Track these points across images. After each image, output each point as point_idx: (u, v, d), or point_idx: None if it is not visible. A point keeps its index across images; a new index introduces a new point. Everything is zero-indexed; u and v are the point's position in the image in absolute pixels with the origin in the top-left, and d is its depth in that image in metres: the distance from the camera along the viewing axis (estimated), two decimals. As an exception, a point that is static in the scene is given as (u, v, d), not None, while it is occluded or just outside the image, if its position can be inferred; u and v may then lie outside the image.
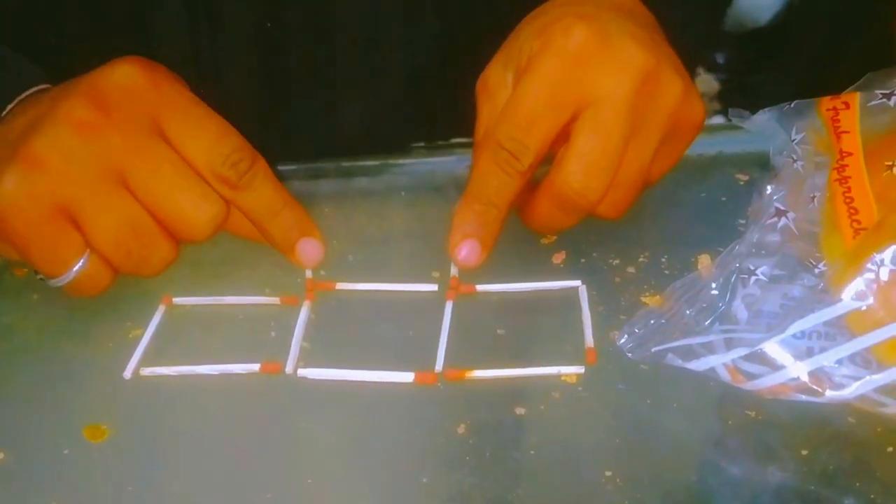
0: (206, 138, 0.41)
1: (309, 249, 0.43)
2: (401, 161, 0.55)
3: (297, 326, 0.43)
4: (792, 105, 0.44)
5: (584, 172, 0.41)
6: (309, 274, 0.46)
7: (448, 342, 0.42)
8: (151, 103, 0.41)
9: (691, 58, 0.45)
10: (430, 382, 0.41)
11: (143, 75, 0.41)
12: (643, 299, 0.44)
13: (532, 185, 0.43)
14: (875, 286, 0.37)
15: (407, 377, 0.41)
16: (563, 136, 0.42)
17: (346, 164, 0.55)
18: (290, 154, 0.55)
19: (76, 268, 0.40)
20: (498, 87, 0.44)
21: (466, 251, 0.42)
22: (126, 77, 0.41)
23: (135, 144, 0.40)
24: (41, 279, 0.42)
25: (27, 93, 0.45)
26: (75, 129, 0.39)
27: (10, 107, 0.44)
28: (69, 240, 0.40)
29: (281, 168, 0.55)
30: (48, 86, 0.45)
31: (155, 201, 0.40)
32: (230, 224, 0.42)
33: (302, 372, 0.41)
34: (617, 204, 0.43)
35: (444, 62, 0.55)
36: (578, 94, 0.41)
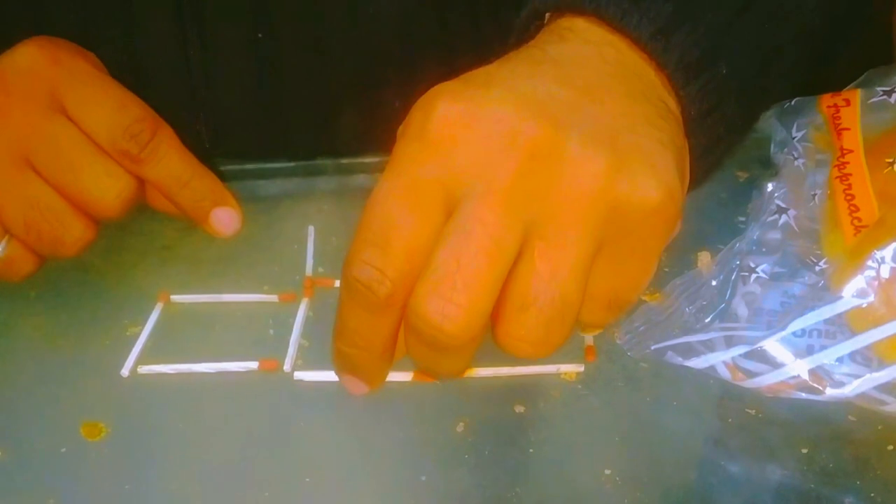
0: (105, 111, 0.40)
1: (223, 218, 0.42)
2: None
3: (296, 324, 0.43)
4: (792, 102, 0.44)
5: (436, 297, 0.29)
6: (308, 272, 0.46)
7: (447, 340, 0.42)
8: (51, 80, 0.40)
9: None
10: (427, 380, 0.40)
11: (42, 54, 0.41)
12: (643, 297, 0.43)
13: None
14: (876, 283, 0.37)
15: (406, 377, 0.41)
16: None
17: (344, 161, 0.55)
18: (287, 156, 0.55)
19: None
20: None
21: (350, 387, 0.34)
22: (25, 57, 0.41)
23: (36, 124, 0.40)
24: None
25: None
26: None
27: None
28: None
29: (279, 165, 0.55)
30: None
31: (59, 181, 0.40)
32: (150, 199, 0.42)
33: (298, 375, 0.41)
34: (529, 339, 0.30)
35: (440, 63, 0.55)
36: (444, 188, 0.30)
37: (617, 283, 0.32)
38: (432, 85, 0.36)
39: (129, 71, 0.51)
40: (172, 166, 0.41)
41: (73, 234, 0.41)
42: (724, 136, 0.37)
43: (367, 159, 0.55)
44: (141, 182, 0.41)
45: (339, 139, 0.56)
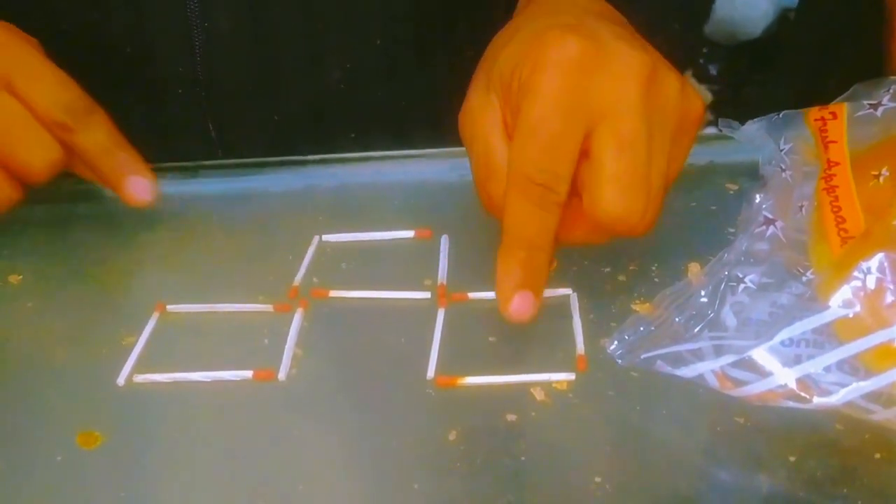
0: (48, 89, 0.46)
1: (138, 185, 0.48)
2: (394, 169, 0.55)
3: (291, 334, 0.44)
4: (781, 115, 0.45)
5: (622, 195, 0.38)
6: (297, 282, 0.46)
7: (440, 349, 0.42)
8: (1, 63, 0.46)
9: (675, 60, 0.44)
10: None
11: None
12: (634, 307, 0.44)
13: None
14: (862, 294, 0.37)
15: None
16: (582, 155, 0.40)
17: (340, 171, 0.55)
18: (277, 110, 0.58)
19: None
20: (485, 114, 0.41)
21: (519, 305, 0.39)
22: None
23: None
24: None
25: None
26: None
27: None
28: None
29: (273, 175, 0.56)
30: None
31: None
32: (77, 168, 0.49)
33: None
34: (650, 217, 0.40)
35: (419, 24, 0.57)
36: (590, 107, 0.39)
37: (671, 169, 0.41)
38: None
39: (135, 56, 0.54)
40: (100, 138, 0.47)
41: (3, 194, 0.46)
42: None
43: (363, 169, 0.55)
44: (69, 151, 0.47)
45: (327, 89, 0.59)
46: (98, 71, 0.52)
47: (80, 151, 0.48)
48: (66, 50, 0.50)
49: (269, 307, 0.46)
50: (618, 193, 0.38)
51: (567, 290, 0.45)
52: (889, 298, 0.37)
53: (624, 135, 0.39)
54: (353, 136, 0.60)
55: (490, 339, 0.43)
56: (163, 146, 0.55)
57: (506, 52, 0.42)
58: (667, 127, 0.40)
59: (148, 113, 0.59)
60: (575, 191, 0.40)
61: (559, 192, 0.39)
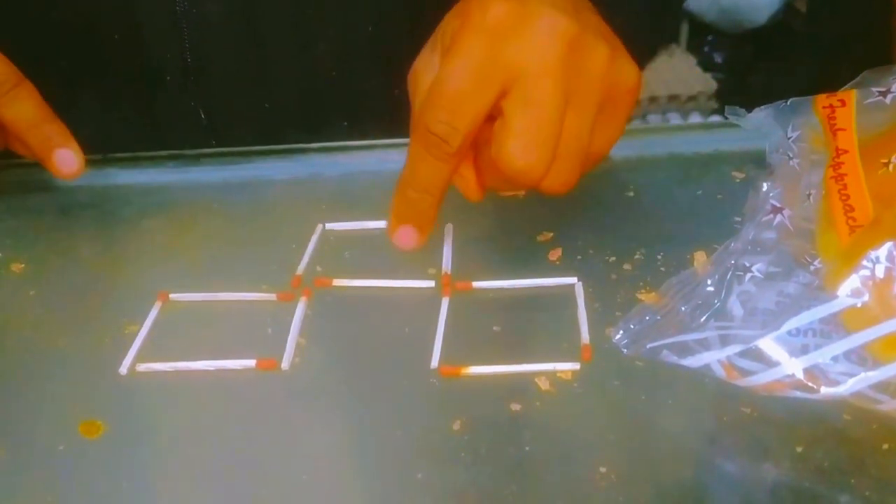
0: None
1: (65, 157, 0.49)
2: (398, 157, 0.55)
3: (294, 323, 0.43)
4: (788, 103, 0.45)
5: (523, 150, 0.40)
6: (300, 270, 0.46)
7: (444, 339, 0.42)
8: None
9: (648, 39, 0.45)
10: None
11: None
12: (639, 296, 0.44)
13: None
14: (870, 283, 0.37)
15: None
16: (495, 114, 0.41)
17: (344, 159, 0.55)
18: (268, 98, 0.58)
19: None
20: (425, 72, 0.44)
21: (401, 235, 0.43)
22: None
23: None
24: None
25: None
26: None
27: None
28: None
29: (275, 163, 0.55)
30: None
31: None
32: (9, 143, 0.50)
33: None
34: (561, 178, 0.42)
35: (411, 11, 0.57)
36: (504, 68, 0.40)
37: (600, 139, 0.43)
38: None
39: (124, 43, 0.54)
40: (27, 111, 0.48)
41: None
42: None
43: (365, 158, 0.55)
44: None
45: (316, 72, 0.59)
46: (87, 58, 0.52)
47: (7, 124, 0.48)
48: (55, 38, 0.50)
49: (272, 296, 0.45)
50: (519, 148, 0.40)
51: (572, 280, 0.45)
52: (898, 288, 0.36)
53: (533, 93, 0.40)
54: (345, 124, 0.60)
55: (494, 328, 0.43)
56: (155, 134, 0.55)
57: (448, 16, 0.44)
58: (590, 94, 0.41)
59: (138, 100, 0.59)
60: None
61: (452, 146, 0.41)
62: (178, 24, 0.56)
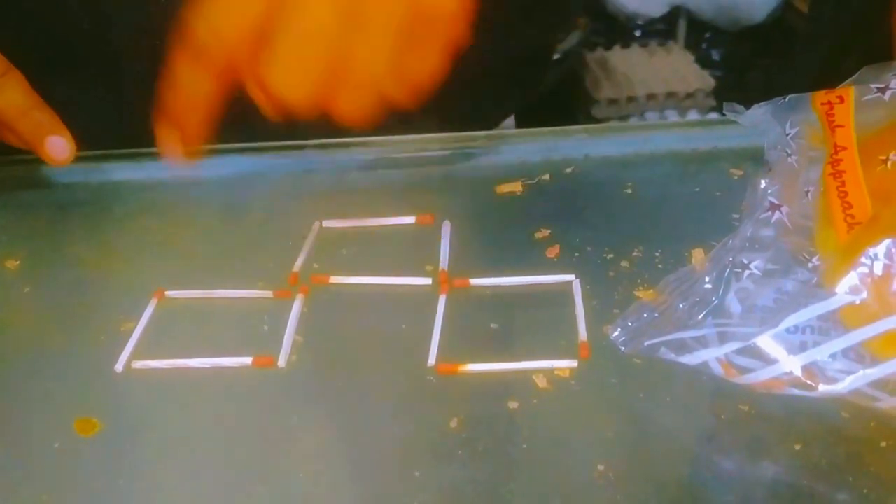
0: None
1: (57, 145, 0.49)
2: (396, 154, 0.55)
3: (290, 320, 0.43)
4: (786, 99, 0.44)
5: (283, 73, 0.39)
6: (297, 267, 0.46)
7: (441, 336, 0.42)
8: None
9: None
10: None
11: None
12: (637, 293, 0.43)
13: None
14: (869, 281, 0.37)
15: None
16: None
17: (341, 155, 0.55)
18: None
19: None
20: None
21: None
22: None
23: None
24: None
25: None
26: None
27: None
28: None
29: (278, 155, 0.55)
30: None
31: None
32: (3, 136, 0.50)
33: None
34: (351, 107, 0.40)
35: None
36: None
37: (412, 69, 0.40)
38: None
39: (92, 32, 0.53)
40: (16, 98, 0.48)
41: None
42: None
43: (363, 156, 0.55)
44: None
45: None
46: (56, 48, 0.51)
47: None
48: (23, 29, 0.49)
49: (268, 293, 0.45)
50: (279, 73, 0.39)
51: (570, 277, 0.45)
52: (896, 285, 0.36)
53: (298, 13, 0.38)
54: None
55: (492, 325, 0.43)
56: (127, 125, 0.54)
57: None
58: (384, 16, 0.39)
59: (109, 91, 0.58)
60: None
61: (213, 55, 0.39)
62: (146, 11, 0.54)
